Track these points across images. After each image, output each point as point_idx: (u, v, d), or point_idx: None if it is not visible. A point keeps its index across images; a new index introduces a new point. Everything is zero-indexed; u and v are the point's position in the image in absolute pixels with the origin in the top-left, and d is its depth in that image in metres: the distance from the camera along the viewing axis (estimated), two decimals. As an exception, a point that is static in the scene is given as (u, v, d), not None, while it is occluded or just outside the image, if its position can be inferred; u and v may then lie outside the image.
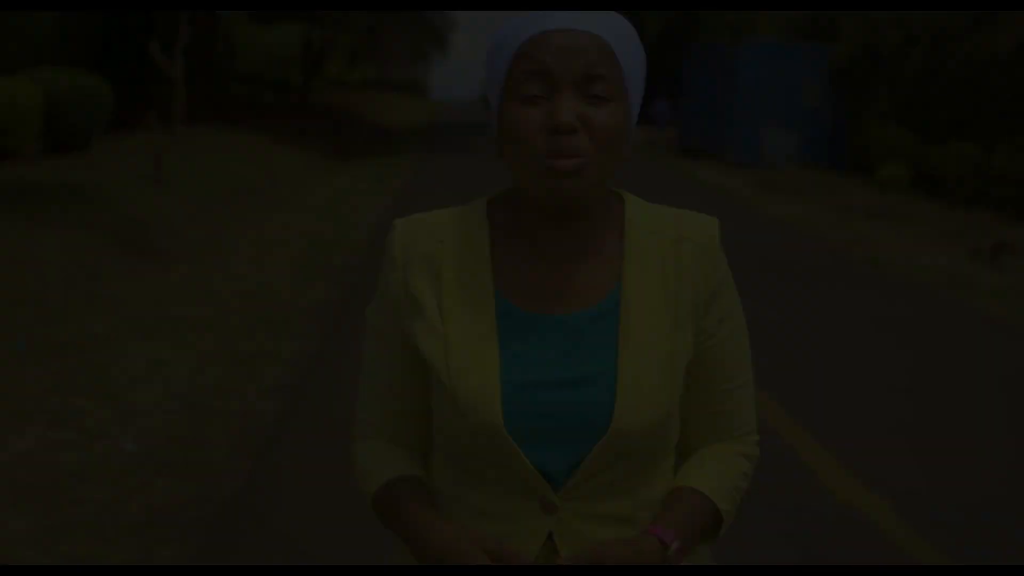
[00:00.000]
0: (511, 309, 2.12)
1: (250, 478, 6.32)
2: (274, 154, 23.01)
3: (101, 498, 5.82)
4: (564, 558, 2.00)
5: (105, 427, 6.80)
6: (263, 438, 6.97)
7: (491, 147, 2.19)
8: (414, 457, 2.27)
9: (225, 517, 5.77)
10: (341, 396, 7.83)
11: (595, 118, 2.05)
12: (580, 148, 2.03)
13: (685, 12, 51.65)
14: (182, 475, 6.26)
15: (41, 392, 7.28)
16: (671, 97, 45.34)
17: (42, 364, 7.98)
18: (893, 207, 21.60)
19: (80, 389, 7.36)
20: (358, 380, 2.26)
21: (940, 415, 8.39)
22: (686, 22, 52.14)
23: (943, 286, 14.16)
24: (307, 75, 42.17)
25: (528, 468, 2.06)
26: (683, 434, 2.25)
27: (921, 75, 25.49)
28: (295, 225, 15.76)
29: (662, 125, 40.20)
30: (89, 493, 5.86)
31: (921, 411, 8.47)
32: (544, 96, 2.06)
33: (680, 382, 2.12)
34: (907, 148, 25.32)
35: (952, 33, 24.17)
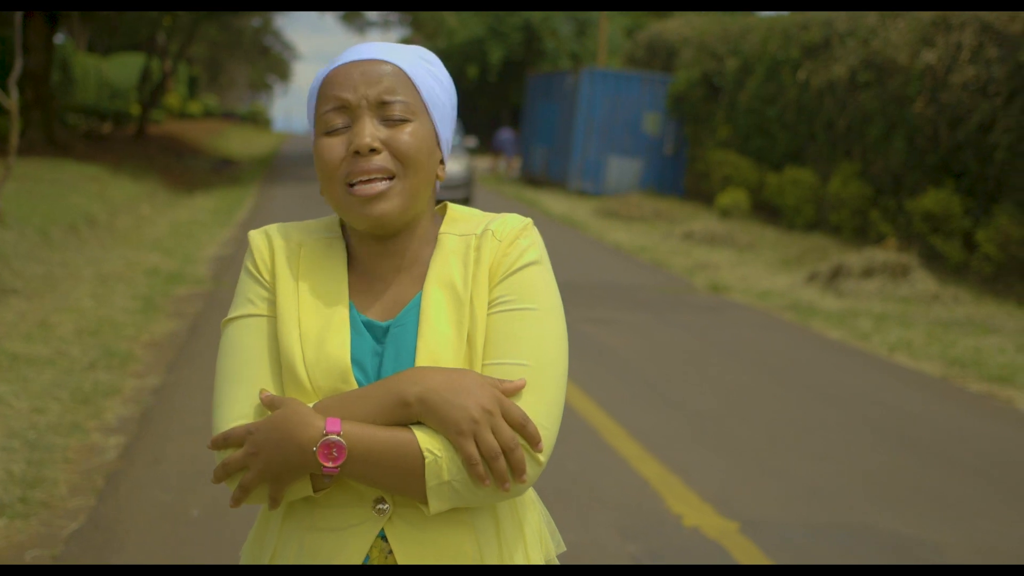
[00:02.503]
0: (355, 313, 2.27)
1: (92, 516, 6.19)
2: (114, 186, 22.65)
3: (-63, 541, 5.66)
4: None
5: (-60, 467, 6.62)
6: (105, 475, 6.84)
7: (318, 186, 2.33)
8: None
9: (67, 557, 5.65)
10: (184, 431, 7.72)
11: (396, 137, 2.21)
12: (384, 169, 2.19)
13: (527, 41, 52.02)
14: (22, 515, 6.12)
15: None
16: (515, 126, 45.61)
17: None
18: (733, 233, 21.94)
19: (-86, 429, 7.16)
20: (212, 398, 2.28)
21: (785, 438, 8.51)
22: (528, 52, 52.51)
23: (784, 310, 14.40)
24: (146, 106, 41.63)
25: None
26: None
27: (758, 103, 25.94)
28: (136, 258, 15.53)
29: (509, 154, 40.36)
30: (-76, 536, 5.70)
31: (766, 435, 8.59)
32: (347, 126, 2.22)
33: (481, 364, 2.21)
34: (746, 175, 25.75)
35: (787, 61, 24.63)
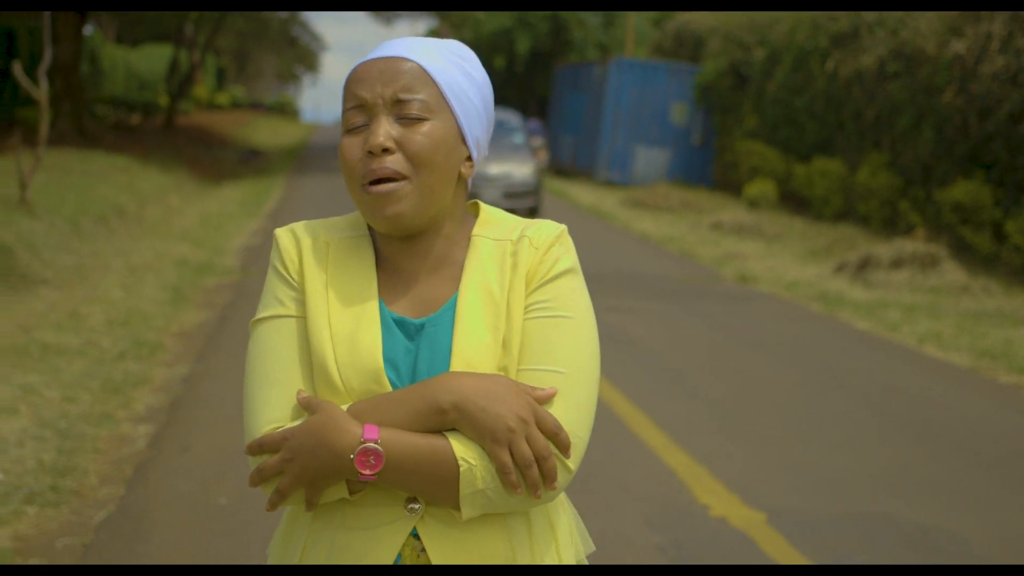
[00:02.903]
0: (384, 310, 2.27)
1: (121, 505, 6.24)
2: (143, 177, 22.73)
3: (-32, 529, 5.71)
4: None
5: (-28, 456, 6.67)
6: (135, 465, 6.88)
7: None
8: None
9: (97, 545, 5.69)
10: (213, 421, 7.76)
11: (410, 137, 2.20)
12: (397, 168, 2.19)
13: (554, 32, 51.93)
14: (53, 503, 6.16)
15: (-95, 422, 7.13)
16: (543, 117, 45.55)
17: (-95, 393, 7.82)
18: (761, 224, 21.89)
19: (-55, 418, 7.21)
20: (244, 401, 2.27)
21: (811, 429, 8.50)
22: (555, 42, 52.43)
23: (811, 301, 14.38)
24: (175, 97, 41.73)
25: None
26: None
27: (786, 93, 25.86)
28: (165, 249, 15.59)
29: (537, 145, 40.31)
30: (-44, 524, 5.75)
31: (792, 426, 8.58)
32: (365, 125, 2.22)
33: (516, 369, 2.22)
34: (774, 166, 25.68)
35: (815, 51, 24.55)
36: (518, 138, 23.94)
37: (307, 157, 39.59)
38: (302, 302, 2.27)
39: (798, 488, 7.08)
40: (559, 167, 35.86)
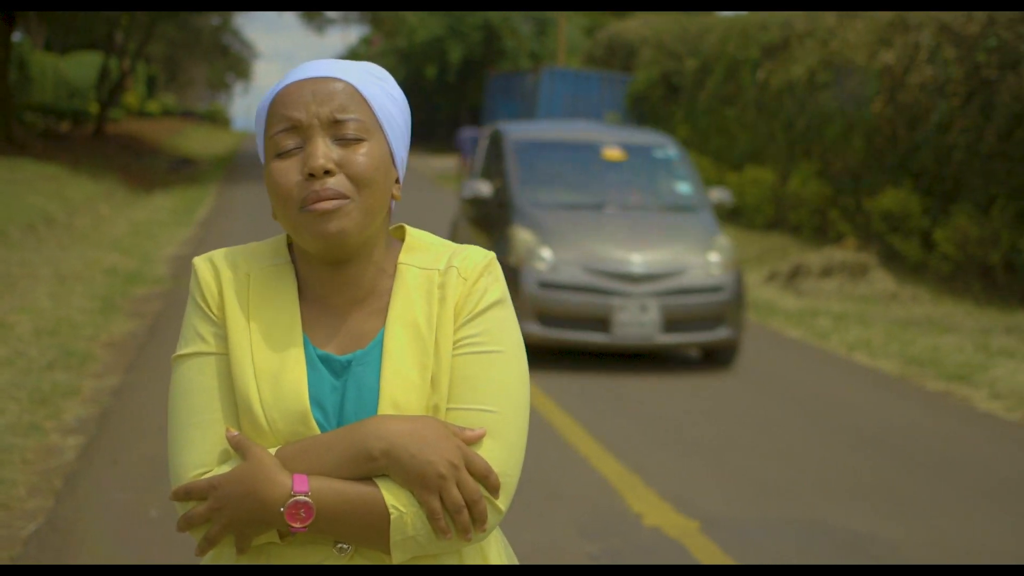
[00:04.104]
0: (309, 347, 2.21)
1: (51, 517, 6.17)
2: (72, 185, 22.55)
3: None
4: None
5: None
6: (64, 476, 6.81)
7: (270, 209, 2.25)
8: None
9: (25, 558, 5.63)
10: (143, 432, 7.70)
11: (350, 158, 2.14)
12: (340, 190, 2.12)
13: (486, 41, 52.00)
14: (-21, 516, 6.09)
15: None
16: (476, 124, 45.54)
17: None
18: (693, 233, 21.95)
19: None
20: (167, 441, 2.20)
21: (744, 438, 8.55)
22: (487, 51, 52.48)
23: (748, 309, 14.44)
24: (105, 105, 41.42)
25: None
26: None
27: (717, 103, 26.01)
28: (94, 258, 15.46)
29: (467, 153, 40.28)
30: None
31: (725, 434, 8.62)
32: (299, 148, 2.15)
33: (445, 406, 2.19)
34: (706, 175, 25.79)
35: (746, 62, 24.71)
36: (684, 187, 12.96)
37: (238, 166, 39.40)
38: (224, 338, 2.21)
39: (731, 496, 7.11)
40: (492, 176, 35.93)
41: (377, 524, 2.06)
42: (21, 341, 10.03)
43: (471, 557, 2.25)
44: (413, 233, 2.33)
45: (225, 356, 2.20)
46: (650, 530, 6.43)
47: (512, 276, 10.12)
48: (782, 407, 9.55)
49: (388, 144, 2.21)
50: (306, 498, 2.04)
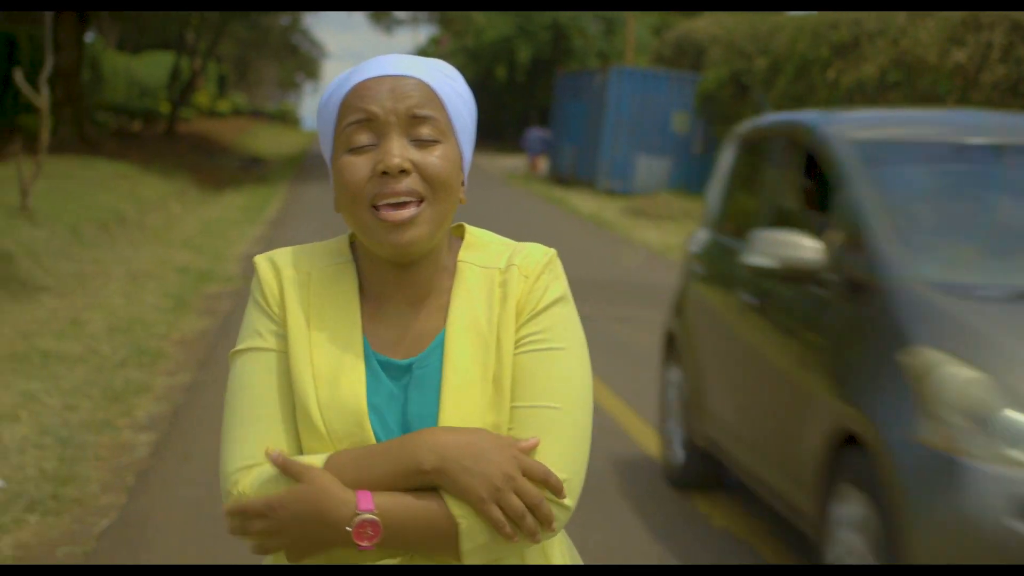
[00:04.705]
0: (368, 350, 2.20)
1: (123, 513, 6.24)
2: (144, 184, 22.74)
3: (-30, 536, 5.71)
4: None
5: (-27, 464, 6.67)
6: (136, 473, 6.88)
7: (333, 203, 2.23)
8: None
9: (98, 553, 5.69)
10: (214, 429, 7.75)
11: (426, 160, 2.12)
12: (415, 189, 2.11)
13: (555, 40, 51.98)
14: (54, 511, 6.16)
15: (-94, 429, 7.13)
16: (544, 125, 45.54)
17: (-93, 400, 7.82)
18: (762, 233, 21.84)
19: (-53, 425, 7.22)
20: (221, 437, 2.22)
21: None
22: (556, 50, 52.47)
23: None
24: (176, 104, 41.78)
25: None
26: None
27: (787, 103, 25.86)
28: (166, 256, 15.60)
29: (535, 154, 40.32)
30: (-43, 531, 5.75)
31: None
32: (372, 144, 2.12)
33: (508, 407, 2.16)
34: (775, 175, 25.66)
35: (816, 61, 24.56)
36: None
37: (308, 165, 39.58)
38: (282, 336, 2.20)
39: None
40: (560, 176, 35.84)
41: (445, 535, 2.05)
42: (94, 339, 10.13)
43: (533, 557, 2.24)
44: (473, 231, 2.32)
45: (282, 354, 2.20)
46: (718, 531, 6.42)
47: (940, 477, 4.44)
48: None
49: (459, 146, 2.20)
50: (373, 516, 2.02)
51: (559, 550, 2.32)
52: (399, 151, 2.10)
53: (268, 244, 17.12)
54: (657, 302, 14.23)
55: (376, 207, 2.12)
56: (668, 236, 22.54)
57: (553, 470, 2.09)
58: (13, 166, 16.13)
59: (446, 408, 2.14)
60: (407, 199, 2.11)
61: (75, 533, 5.94)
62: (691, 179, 30.86)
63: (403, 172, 2.10)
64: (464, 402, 2.15)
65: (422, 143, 2.13)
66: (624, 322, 12.55)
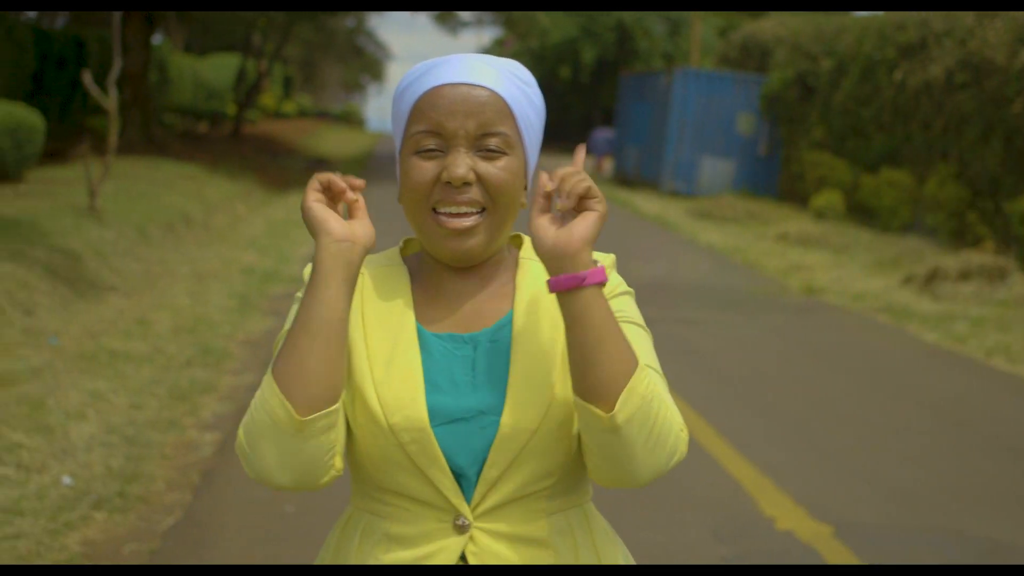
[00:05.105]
0: (423, 332, 2.22)
1: (189, 512, 6.28)
2: (210, 185, 22.89)
3: (38, 533, 5.76)
4: None
5: (41, 461, 6.73)
6: (201, 471, 6.93)
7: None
8: None
9: (164, 551, 5.73)
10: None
11: (489, 172, 2.16)
12: (476, 198, 2.15)
13: (620, 41, 51.90)
14: (121, 509, 6.21)
15: (-25, 427, 7.20)
16: (608, 126, 45.47)
17: (-24, 398, 7.90)
18: (828, 235, 21.76)
19: (16, 423, 7.28)
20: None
21: (878, 442, 8.44)
22: (620, 51, 52.38)
23: (878, 312, 14.27)
24: (242, 106, 42.03)
25: (444, 470, 2.15)
26: None
27: (853, 104, 25.70)
28: (232, 256, 15.69)
29: (600, 155, 40.25)
30: (26, 528, 5.80)
31: (859, 438, 8.53)
32: (440, 151, 2.16)
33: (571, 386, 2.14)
34: (841, 176, 25.52)
35: (883, 62, 24.38)
36: None
37: (373, 167, 39.68)
38: None
39: (865, 501, 7.02)
40: (624, 177, 35.77)
41: (626, 360, 2.03)
42: (161, 338, 10.21)
43: (586, 557, 2.25)
44: (527, 238, 2.35)
45: None
46: (782, 534, 6.38)
47: None
48: (917, 412, 9.42)
49: (525, 155, 2.24)
50: (602, 276, 2.03)
51: (611, 550, 2.33)
52: (465, 163, 2.14)
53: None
54: (720, 304, 14.20)
55: (436, 211, 2.17)
56: (732, 238, 22.45)
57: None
58: (82, 167, 16.28)
59: (515, 379, 2.17)
60: (468, 209, 2.15)
61: (141, 531, 5.99)
62: (756, 181, 30.73)
63: (466, 183, 2.14)
64: (534, 373, 2.17)
65: (489, 153, 2.16)
66: (688, 324, 12.51)
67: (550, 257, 2.03)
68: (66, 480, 6.50)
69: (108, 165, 15.48)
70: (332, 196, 2.12)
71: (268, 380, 2.07)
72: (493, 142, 2.16)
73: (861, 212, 24.32)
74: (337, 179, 2.08)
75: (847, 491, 7.22)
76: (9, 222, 13.00)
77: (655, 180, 32.44)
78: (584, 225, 2.01)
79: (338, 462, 2.13)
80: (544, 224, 2.05)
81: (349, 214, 2.11)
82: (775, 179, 30.60)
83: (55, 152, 22.21)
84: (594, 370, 2.02)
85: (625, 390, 2.01)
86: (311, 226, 2.07)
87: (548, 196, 2.06)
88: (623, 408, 2.01)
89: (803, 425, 8.83)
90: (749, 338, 12.20)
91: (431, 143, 2.16)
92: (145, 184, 19.63)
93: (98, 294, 11.78)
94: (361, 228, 2.10)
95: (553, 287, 2.02)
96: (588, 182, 2.01)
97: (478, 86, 2.17)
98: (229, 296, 12.62)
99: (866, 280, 17.11)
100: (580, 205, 2.04)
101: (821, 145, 27.21)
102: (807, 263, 18.88)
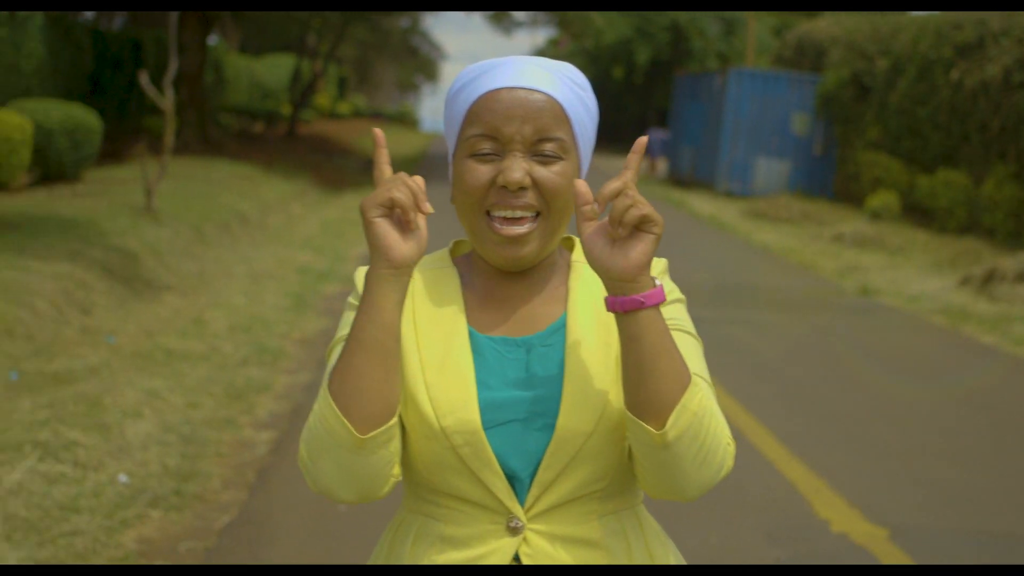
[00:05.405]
0: (476, 335, 2.23)
1: (244, 510, 6.31)
2: (265, 185, 23.00)
3: (94, 530, 5.80)
4: None
5: (98, 459, 6.78)
6: (257, 470, 6.96)
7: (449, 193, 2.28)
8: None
9: (219, 549, 5.76)
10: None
11: (545, 176, 2.15)
12: (530, 205, 2.15)
13: (674, 42, 51.75)
14: (177, 507, 6.25)
15: (33, 424, 7.26)
16: (662, 126, 45.36)
17: (34, 396, 7.96)
18: (883, 236, 21.64)
19: (73, 421, 7.34)
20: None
21: (933, 444, 8.38)
22: (675, 52, 52.25)
23: (934, 314, 14.18)
24: (297, 106, 42.19)
25: (497, 472, 2.16)
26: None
27: (909, 103, 25.53)
28: (287, 256, 15.76)
29: (654, 155, 40.16)
30: (83, 525, 5.85)
31: (914, 440, 8.47)
32: (495, 155, 2.16)
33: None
34: (896, 177, 25.36)
35: (939, 61, 24.21)
36: None
37: (427, 167, 39.78)
38: None
39: (921, 504, 6.98)
40: (678, 178, 35.71)
41: (680, 377, 2.02)
42: (217, 337, 10.27)
43: (639, 558, 2.26)
44: (578, 241, 2.34)
45: None
46: (837, 536, 6.35)
47: None
48: (974, 414, 9.35)
49: (579, 159, 2.23)
50: (660, 297, 2.02)
51: (661, 550, 2.33)
52: (521, 168, 2.14)
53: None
54: (775, 305, 14.14)
55: (490, 215, 2.18)
56: (787, 239, 22.36)
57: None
58: (138, 167, 16.42)
59: (569, 382, 2.17)
60: (523, 213, 2.16)
61: (197, 529, 6.02)
62: (811, 181, 30.60)
63: (522, 188, 2.14)
64: (588, 377, 2.17)
65: (545, 158, 2.16)
66: (743, 325, 12.47)
67: (606, 278, 2.02)
68: (122, 478, 6.54)
69: (164, 165, 15.58)
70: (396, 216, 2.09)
71: (325, 397, 2.10)
72: (549, 147, 2.15)
73: (917, 213, 24.17)
74: (406, 202, 2.04)
75: (903, 494, 7.18)
76: (67, 222, 13.11)
77: (710, 181, 32.35)
78: (641, 249, 1.98)
79: (396, 470, 2.15)
80: (597, 241, 2.02)
81: (409, 224, 2.07)
82: (830, 179, 30.45)
83: (112, 152, 22.39)
84: (647, 387, 2.02)
85: (677, 407, 2.01)
86: (370, 243, 2.07)
87: (592, 206, 2.03)
88: (675, 425, 2.02)
89: (858, 427, 8.78)
90: (804, 339, 12.15)
91: (487, 147, 2.17)
92: (201, 184, 19.75)
93: (154, 293, 11.86)
94: (417, 247, 2.08)
95: (611, 307, 2.02)
96: (642, 210, 1.96)
97: (535, 90, 2.17)
98: (284, 295, 12.67)
99: (922, 281, 16.99)
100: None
101: (877, 145, 27.05)
102: (863, 264, 18.78)
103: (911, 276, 17.58)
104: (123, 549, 5.65)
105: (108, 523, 5.93)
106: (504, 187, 2.14)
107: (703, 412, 2.05)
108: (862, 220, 24.36)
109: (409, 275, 2.07)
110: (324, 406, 2.09)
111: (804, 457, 7.78)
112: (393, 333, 2.06)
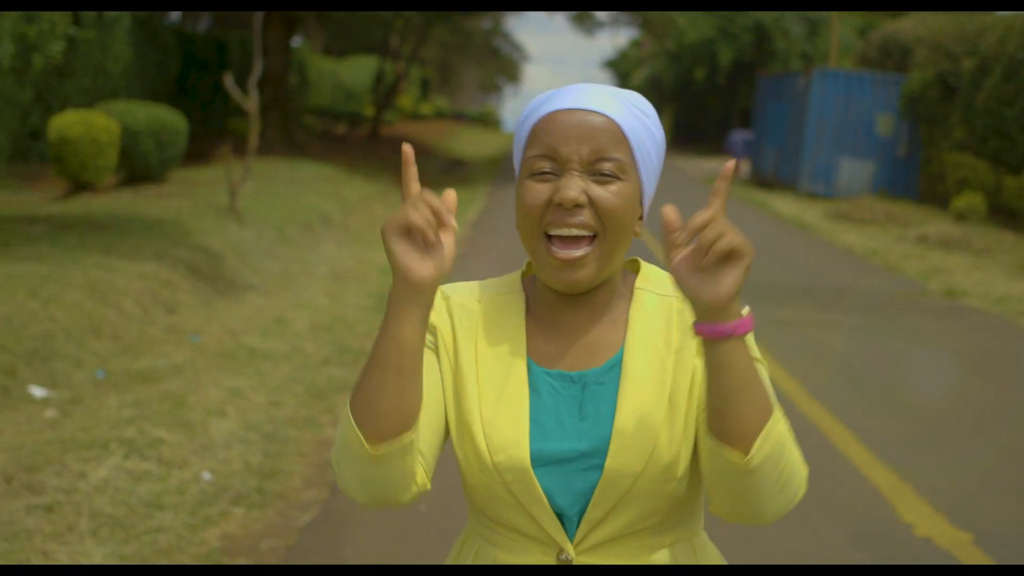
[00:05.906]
0: (534, 368, 2.25)
1: (325, 509, 6.34)
2: (348, 186, 23.12)
3: (178, 527, 5.86)
4: None
5: (182, 457, 6.85)
6: (338, 469, 6.99)
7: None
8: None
9: (300, 547, 5.80)
10: (415, 427, 7.84)
11: (602, 196, 2.16)
12: (587, 224, 2.15)
13: (757, 42, 51.48)
14: (259, 505, 6.30)
15: (119, 422, 7.34)
16: (745, 127, 45.15)
17: (120, 395, 8.05)
18: (969, 237, 21.40)
19: (158, 419, 7.41)
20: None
21: (1020, 448, 8.29)
22: (758, 52, 51.97)
23: (1021, 316, 14.00)
24: (380, 107, 42.39)
25: (546, 509, 2.19)
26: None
27: (996, 104, 25.25)
28: (368, 257, 15.83)
29: (737, 156, 39.96)
30: (167, 522, 5.90)
31: (1002, 446, 8.37)
32: (554, 174, 2.17)
33: (682, 425, 2.19)
34: (982, 178, 25.09)
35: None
36: None
37: (508, 168, 39.80)
38: (434, 348, 2.27)
39: (1007, 509, 6.89)
40: (761, 178, 35.53)
41: (764, 404, 2.03)
42: (299, 337, 10.33)
43: (684, 557, 2.28)
44: (647, 266, 2.36)
45: (432, 356, 2.26)
46: (921, 541, 6.29)
47: None
48: (1062, 418, 9.23)
49: (640, 183, 2.23)
50: (749, 326, 2.01)
51: (704, 551, 2.35)
52: (577, 186, 2.15)
53: (469, 246, 17.27)
54: (859, 307, 14.03)
55: (549, 237, 2.18)
56: (871, 240, 22.17)
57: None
58: (223, 168, 16.56)
59: (620, 422, 2.18)
60: (579, 232, 2.15)
61: (278, 527, 6.06)
62: (896, 182, 30.34)
63: (578, 206, 2.15)
64: (640, 417, 2.18)
65: (602, 178, 2.17)
66: (826, 327, 12.38)
67: (696, 305, 2.00)
68: (206, 476, 6.60)
69: (248, 166, 15.70)
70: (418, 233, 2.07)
71: (345, 408, 2.13)
72: (607, 167, 2.16)
73: (1004, 214, 23.90)
74: (422, 224, 2.02)
75: (987, 498, 7.10)
76: (153, 222, 13.25)
77: (793, 181, 32.15)
78: (731, 279, 1.94)
79: (421, 479, 2.17)
80: (685, 269, 1.98)
81: (433, 235, 2.05)
82: (915, 180, 30.17)
83: (197, 153, 22.62)
84: (734, 415, 2.02)
85: (762, 434, 2.03)
86: (390, 263, 2.06)
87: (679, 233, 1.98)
88: (759, 452, 2.03)
89: (943, 430, 8.69)
90: (889, 341, 12.04)
91: (545, 166, 2.18)
92: (284, 185, 19.88)
93: (238, 293, 11.96)
94: (438, 267, 2.06)
95: (699, 332, 2.00)
96: (732, 242, 1.92)
97: (594, 112, 2.18)
98: (366, 296, 12.73)
99: (1009, 283, 16.79)
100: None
101: (962, 146, 26.77)
102: (948, 266, 18.58)
103: (997, 278, 17.38)
104: (206, 546, 5.70)
105: (192, 520, 5.98)
106: (560, 205, 2.15)
107: (784, 439, 2.07)
108: (947, 221, 24.12)
109: (431, 294, 2.07)
110: (344, 416, 2.13)
111: (889, 461, 7.71)
112: (411, 352, 2.07)
